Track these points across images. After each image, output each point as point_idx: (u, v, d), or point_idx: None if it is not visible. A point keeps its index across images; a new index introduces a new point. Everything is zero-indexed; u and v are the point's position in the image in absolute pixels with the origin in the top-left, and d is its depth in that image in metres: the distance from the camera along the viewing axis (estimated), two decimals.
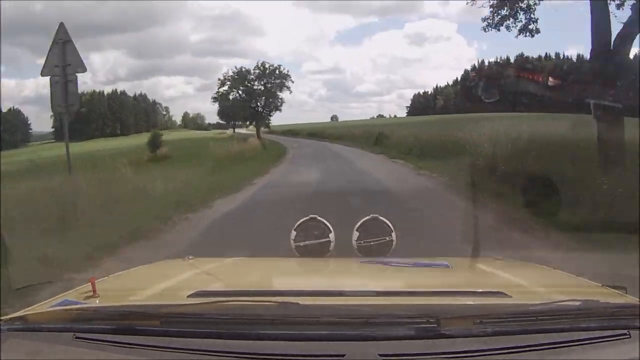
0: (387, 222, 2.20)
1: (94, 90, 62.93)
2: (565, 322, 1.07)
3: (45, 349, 1.03)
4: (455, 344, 1.00)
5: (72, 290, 1.39)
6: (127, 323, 1.06)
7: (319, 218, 2.20)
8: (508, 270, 1.75)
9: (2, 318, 1.11)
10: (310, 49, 75.90)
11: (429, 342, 1.00)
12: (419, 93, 63.66)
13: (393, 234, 2.15)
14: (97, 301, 1.23)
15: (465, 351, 0.99)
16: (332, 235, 2.15)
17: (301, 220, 2.20)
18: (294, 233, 2.16)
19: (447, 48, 72.59)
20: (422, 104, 59.80)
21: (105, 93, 63.45)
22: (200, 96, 79.68)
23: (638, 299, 1.32)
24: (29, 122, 61.01)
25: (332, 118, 72.50)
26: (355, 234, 2.16)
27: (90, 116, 59.44)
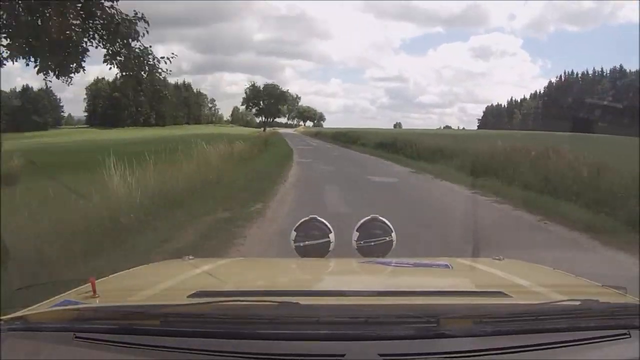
0: (387, 222, 2.20)
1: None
2: (565, 322, 1.07)
3: (45, 349, 1.04)
4: (456, 344, 1.00)
5: (72, 290, 1.39)
6: (127, 323, 1.06)
7: (318, 218, 2.21)
8: (508, 270, 1.75)
9: (2, 318, 1.11)
10: (374, 55, 75.95)
11: (429, 341, 1.00)
12: (491, 105, 61.26)
13: (393, 234, 2.15)
14: (97, 301, 1.23)
15: (465, 351, 0.99)
16: (332, 236, 2.15)
17: (301, 221, 2.21)
18: (294, 233, 2.16)
19: (512, 63, 71.36)
20: (495, 118, 55.59)
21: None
22: None
23: (638, 299, 1.32)
24: (61, 104, 59.18)
25: (395, 125, 72.76)
26: (355, 234, 2.16)
27: (122, 102, 56.81)
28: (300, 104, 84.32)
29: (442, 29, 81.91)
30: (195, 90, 69.55)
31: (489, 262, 1.87)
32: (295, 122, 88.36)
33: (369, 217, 2.21)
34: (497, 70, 70.08)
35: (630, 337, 1.06)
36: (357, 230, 2.17)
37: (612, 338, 1.06)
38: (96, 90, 58.51)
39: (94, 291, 1.26)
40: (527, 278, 1.67)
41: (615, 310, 1.11)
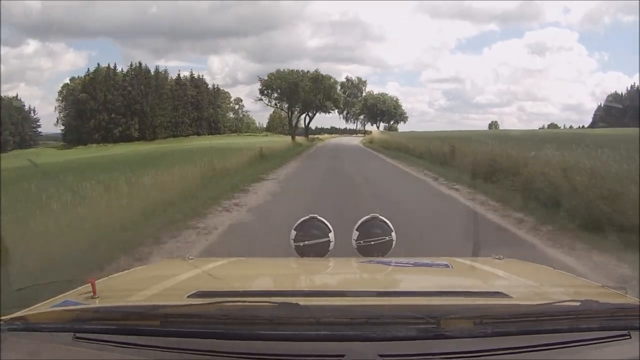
0: (387, 221, 2.20)
1: (99, 65, 38.99)
2: (565, 322, 1.07)
3: (45, 349, 1.04)
4: (455, 345, 1.00)
5: (72, 290, 1.39)
6: (126, 323, 1.06)
7: (318, 217, 2.20)
8: (508, 270, 1.75)
9: (2, 318, 1.11)
10: (430, 56, 72.36)
11: (428, 342, 1.00)
12: (613, 94, 46.57)
13: (393, 234, 2.15)
14: (97, 301, 1.23)
15: (466, 351, 0.99)
16: (331, 235, 2.15)
17: (301, 220, 2.20)
18: (293, 233, 2.16)
19: (569, 59, 69.75)
20: (617, 110, 40.96)
21: (122, 70, 38.71)
22: None
23: (638, 299, 1.32)
24: (35, 116, 40.68)
25: (490, 125, 51.18)
26: (355, 234, 2.16)
27: (89, 107, 37.95)
28: (367, 90, 50.42)
29: (496, 26, 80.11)
30: (211, 87, 44.32)
31: (489, 262, 1.87)
32: (358, 124, 51.78)
33: (369, 217, 2.21)
34: (554, 66, 68.00)
35: (631, 337, 1.06)
36: (357, 230, 2.17)
37: (613, 339, 1.06)
38: (67, 95, 40.57)
39: (94, 291, 1.26)
40: (527, 278, 1.67)
41: (616, 311, 1.11)
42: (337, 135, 47.36)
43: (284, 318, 1.04)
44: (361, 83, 51.89)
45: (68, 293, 1.36)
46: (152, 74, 39.64)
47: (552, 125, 49.30)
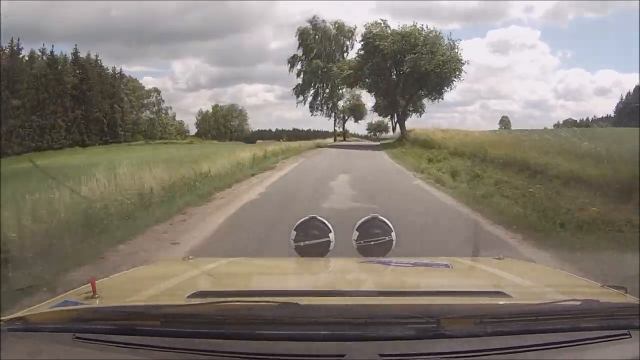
0: (387, 221, 2.19)
1: None
2: (565, 322, 1.07)
3: (45, 349, 1.04)
4: (456, 344, 1.00)
5: (72, 290, 1.39)
6: (127, 323, 1.06)
7: (319, 217, 2.20)
8: (508, 270, 1.75)
9: (2, 318, 1.11)
10: None
11: (429, 342, 1.00)
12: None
13: (393, 234, 2.15)
14: (97, 301, 1.23)
15: (466, 351, 0.99)
16: (331, 235, 2.15)
17: (301, 220, 2.20)
18: (294, 233, 2.16)
19: (531, 56, 68.94)
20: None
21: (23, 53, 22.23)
22: (282, 105, 69.33)
23: (638, 299, 1.32)
24: None
25: (501, 124, 38.39)
26: (355, 234, 2.16)
27: None
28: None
29: (459, 25, 79.56)
30: (111, 72, 27.55)
31: (489, 262, 1.87)
32: (336, 120, 32.11)
33: (369, 217, 2.21)
34: (517, 64, 67.04)
35: (631, 337, 1.06)
36: (357, 230, 2.17)
37: (613, 338, 1.06)
38: None
39: (94, 291, 1.26)
40: (527, 278, 1.67)
41: (616, 311, 1.11)
42: (298, 142, 24.91)
43: (285, 318, 1.04)
44: (344, 34, 27.06)
45: (68, 293, 1.36)
46: (83, 61, 24.89)
47: (570, 122, 40.04)
